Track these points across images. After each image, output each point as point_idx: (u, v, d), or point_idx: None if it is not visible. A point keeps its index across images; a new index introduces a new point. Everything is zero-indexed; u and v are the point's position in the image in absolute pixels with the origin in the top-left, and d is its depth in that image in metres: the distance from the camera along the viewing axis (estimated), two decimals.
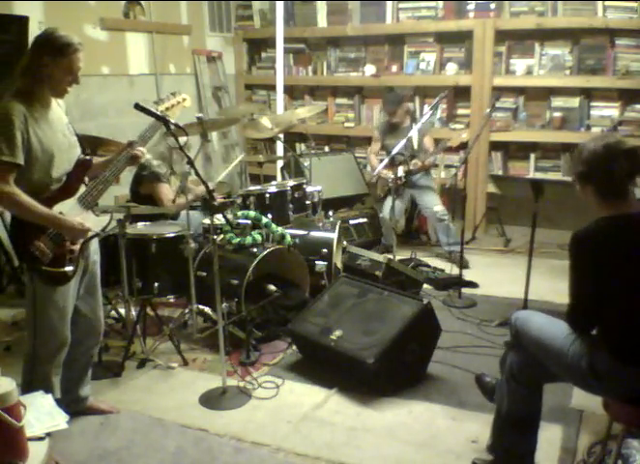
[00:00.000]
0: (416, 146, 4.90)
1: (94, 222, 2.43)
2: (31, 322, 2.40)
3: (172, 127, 2.63)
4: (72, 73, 2.28)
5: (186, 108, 2.80)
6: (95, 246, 2.61)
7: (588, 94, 5.23)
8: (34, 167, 2.25)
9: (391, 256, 4.25)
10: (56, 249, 2.31)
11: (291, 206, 4.05)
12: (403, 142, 4.48)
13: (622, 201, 1.98)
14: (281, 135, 5.47)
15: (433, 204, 4.87)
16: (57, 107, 2.39)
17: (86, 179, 2.45)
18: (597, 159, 1.97)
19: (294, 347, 3.38)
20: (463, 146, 5.62)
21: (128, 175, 3.96)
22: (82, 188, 2.42)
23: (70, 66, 2.26)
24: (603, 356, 1.93)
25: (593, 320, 2.02)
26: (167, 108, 2.67)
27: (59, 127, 2.36)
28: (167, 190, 3.88)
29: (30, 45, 2.30)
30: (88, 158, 2.49)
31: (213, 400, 2.90)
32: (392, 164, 4.69)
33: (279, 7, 5.66)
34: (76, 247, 2.39)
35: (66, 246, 2.35)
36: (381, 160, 4.91)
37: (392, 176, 4.64)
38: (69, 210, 2.34)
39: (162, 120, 2.60)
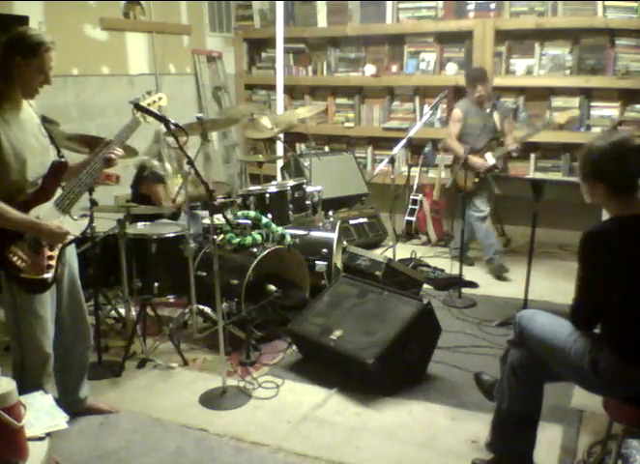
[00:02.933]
0: (499, 128, 4.56)
1: (72, 226, 2.35)
2: (16, 334, 2.33)
3: (172, 126, 2.63)
4: (43, 73, 2.22)
5: (162, 107, 2.72)
6: (72, 251, 2.54)
7: (588, 94, 5.22)
8: (6, 172, 2.18)
9: (391, 256, 4.25)
10: (34, 256, 2.24)
11: (291, 206, 4.06)
12: (404, 142, 4.47)
13: (631, 198, 1.98)
14: (281, 135, 5.47)
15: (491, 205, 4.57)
16: (28, 108, 2.32)
17: (62, 182, 2.37)
18: (608, 156, 1.97)
19: (294, 347, 3.38)
20: None
21: (128, 175, 3.98)
22: (59, 192, 2.34)
23: (41, 65, 2.20)
24: (606, 355, 1.94)
25: (595, 318, 2.03)
26: None
27: (31, 128, 2.29)
28: (164, 192, 3.89)
29: (1, 46, 2.21)
30: (63, 160, 2.40)
31: (213, 400, 2.90)
32: (478, 152, 4.40)
33: (279, 7, 5.66)
34: (55, 253, 2.32)
35: (44, 253, 2.28)
36: (472, 150, 4.39)
37: (488, 165, 4.35)
38: (45, 214, 2.26)
39: (162, 120, 2.60)
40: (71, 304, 2.53)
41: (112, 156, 2.43)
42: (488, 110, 4.38)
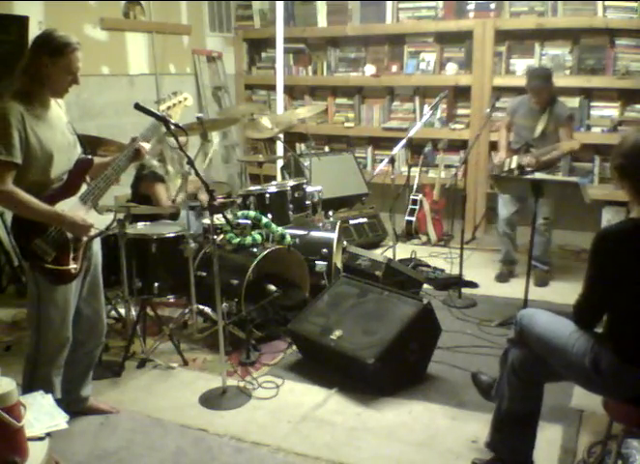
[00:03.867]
0: (537, 134, 4.22)
1: (97, 221, 2.42)
2: (34, 322, 2.40)
3: (172, 127, 2.63)
4: (71, 73, 2.28)
5: (187, 107, 2.78)
6: (97, 247, 2.60)
7: (588, 94, 5.23)
8: (33, 166, 2.25)
9: (391, 256, 4.25)
10: (59, 247, 2.31)
11: (291, 206, 4.05)
12: (404, 142, 4.46)
13: None
14: (281, 135, 5.47)
15: (545, 213, 4.15)
16: (56, 107, 2.40)
17: (88, 178, 2.45)
18: (636, 153, 1.87)
19: (294, 347, 3.38)
20: (463, 146, 5.64)
21: (128, 175, 3.97)
22: (84, 187, 2.42)
23: (68, 65, 2.26)
24: (607, 354, 1.94)
25: (599, 317, 2.02)
26: (168, 108, 2.66)
27: (58, 126, 2.36)
28: (164, 191, 3.89)
29: (29, 46, 2.31)
30: (89, 157, 2.49)
31: (213, 400, 2.90)
32: (514, 151, 4.26)
33: (279, 7, 5.66)
34: (80, 246, 2.39)
35: (69, 245, 2.34)
36: (510, 149, 4.35)
37: (507, 167, 4.14)
38: (70, 208, 2.33)
39: (162, 120, 2.60)
40: (90, 297, 2.58)
41: (141, 148, 2.48)
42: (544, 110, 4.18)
